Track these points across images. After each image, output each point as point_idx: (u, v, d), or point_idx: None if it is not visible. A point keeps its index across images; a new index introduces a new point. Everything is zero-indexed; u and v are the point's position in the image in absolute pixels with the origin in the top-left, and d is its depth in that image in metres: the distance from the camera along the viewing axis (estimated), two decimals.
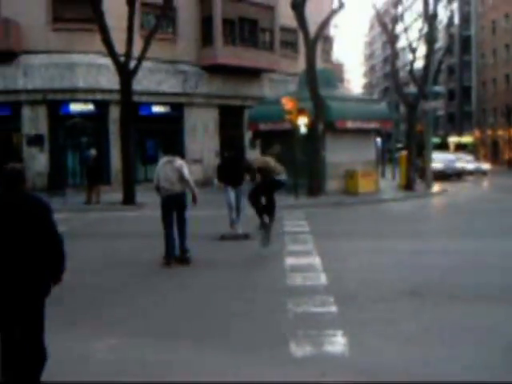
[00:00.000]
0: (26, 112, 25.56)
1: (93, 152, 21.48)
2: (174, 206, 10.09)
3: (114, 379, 4.98)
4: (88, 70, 25.27)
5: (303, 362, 5.31)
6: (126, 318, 6.91)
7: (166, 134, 28.34)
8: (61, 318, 6.90)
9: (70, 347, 5.81)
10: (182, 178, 9.94)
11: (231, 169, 12.82)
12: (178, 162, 10.13)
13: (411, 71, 28.31)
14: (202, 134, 29.19)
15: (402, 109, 53.01)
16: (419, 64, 31.68)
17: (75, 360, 5.48)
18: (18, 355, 4.36)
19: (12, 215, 4.35)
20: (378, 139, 31.28)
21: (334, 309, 6.98)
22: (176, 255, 10.04)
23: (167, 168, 10.04)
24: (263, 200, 11.37)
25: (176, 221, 10.13)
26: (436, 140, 54.73)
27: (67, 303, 7.56)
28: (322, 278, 8.56)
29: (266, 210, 11.31)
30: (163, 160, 10.31)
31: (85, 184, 21.61)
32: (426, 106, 26.50)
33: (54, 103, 25.45)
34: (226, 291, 8.12)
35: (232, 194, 12.78)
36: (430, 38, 26.92)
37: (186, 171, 10.00)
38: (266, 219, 11.20)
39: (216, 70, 29.05)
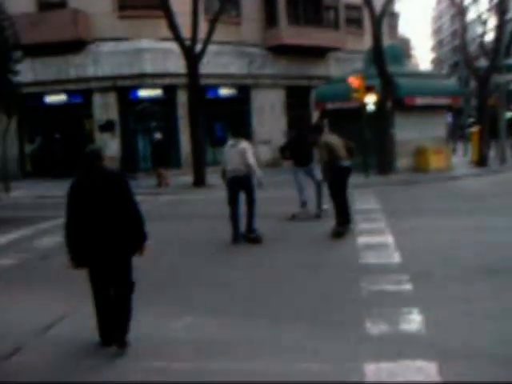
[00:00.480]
0: (97, 99, 26.19)
1: (157, 136, 21.83)
2: (239, 188, 10.27)
3: (191, 358, 5.09)
4: (155, 55, 25.61)
5: (379, 340, 5.28)
6: (202, 297, 7.04)
7: (234, 116, 28.52)
8: (138, 297, 7.10)
9: (147, 326, 5.97)
10: (245, 161, 10.03)
11: (298, 148, 12.66)
12: (242, 145, 10.18)
13: (482, 44, 27.43)
14: (269, 115, 29.18)
15: (473, 83, 51.50)
16: (490, 36, 30.63)
17: (152, 339, 5.62)
18: (115, 312, 5.47)
19: (96, 189, 5.37)
20: (449, 115, 30.49)
21: (409, 287, 6.90)
22: (244, 235, 10.26)
23: (232, 151, 10.20)
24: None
25: (245, 202, 10.31)
26: (510, 114, 52.86)
27: (144, 283, 7.75)
28: (396, 256, 8.47)
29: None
30: (228, 143, 10.44)
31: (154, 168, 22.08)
32: (499, 80, 25.63)
33: (123, 89, 25.96)
34: (299, 270, 8.15)
35: (301, 175, 12.74)
36: (501, 8, 25.95)
37: (249, 155, 10.05)
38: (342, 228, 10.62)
39: (281, 51, 28.92)
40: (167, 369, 4.89)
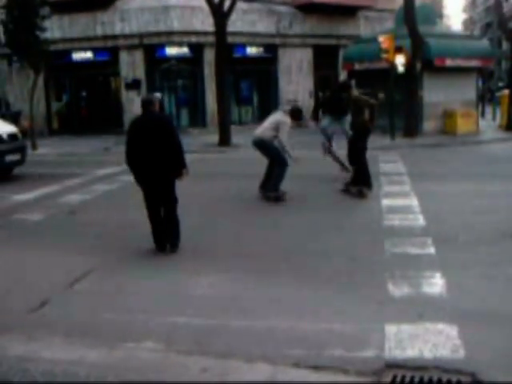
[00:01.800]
0: (124, 57, 26.17)
1: (157, 95, 21.83)
2: (261, 151, 10.53)
3: (215, 315, 5.17)
4: (182, 12, 25.42)
5: (401, 302, 5.31)
6: (225, 255, 7.11)
7: (261, 76, 28.36)
8: (163, 254, 7.21)
9: (171, 283, 6.08)
10: (274, 130, 10.10)
11: (334, 102, 12.90)
12: (282, 118, 10.27)
13: None
14: (296, 75, 28.93)
15: (505, 46, 50.35)
16: None
17: (176, 296, 5.72)
18: (166, 225, 7.31)
19: (148, 127, 7.15)
20: (479, 78, 29.93)
21: (432, 250, 6.90)
22: (265, 195, 10.43)
23: (269, 117, 10.48)
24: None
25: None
26: None
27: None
28: (420, 220, 8.45)
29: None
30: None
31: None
32: None
33: (149, 47, 25.87)
34: (323, 231, 8.18)
35: (329, 122, 13.12)
36: None
37: (283, 131, 10.08)
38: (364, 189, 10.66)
39: (310, 9, 28.48)
40: (192, 325, 4.98)
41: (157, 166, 7.04)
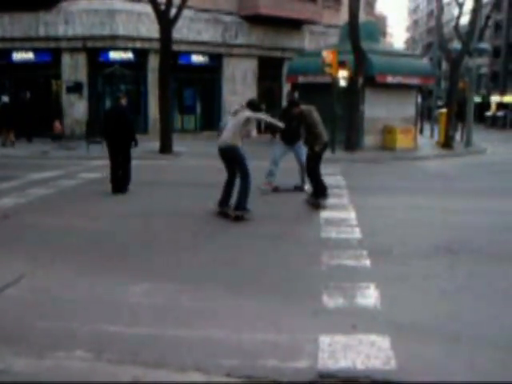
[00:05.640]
0: (66, 59, 25.72)
1: (4, 99, 23.73)
2: (225, 160, 9.77)
3: (150, 324, 5.10)
4: (128, 17, 25.19)
5: (335, 313, 5.35)
6: (163, 264, 7.02)
7: (204, 84, 28.34)
8: (100, 262, 7.08)
9: (106, 290, 5.97)
10: (242, 129, 9.49)
11: (287, 124, 11.59)
12: (244, 113, 9.60)
13: (456, 26, 27.49)
14: (241, 85, 29.02)
15: (444, 66, 51.77)
16: (465, 19, 30.74)
17: (110, 304, 5.61)
18: (122, 171, 12.01)
19: (114, 115, 12.16)
20: (419, 96, 30.68)
21: (367, 262, 6.99)
22: (222, 211, 9.85)
23: (231, 120, 9.69)
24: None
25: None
26: (477, 99, 53.45)
27: (106, 248, 7.74)
28: (357, 232, 8.57)
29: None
30: (232, 111, 10.03)
31: None
32: (470, 63, 25.81)
33: (93, 51, 25.52)
34: (261, 241, 8.18)
35: (280, 149, 12.62)
36: None
37: (255, 119, 9.72)
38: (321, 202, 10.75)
39: (256, 21, 28.66)
40: (125, 333, 4.89)
41: (119, 138, 11.87)
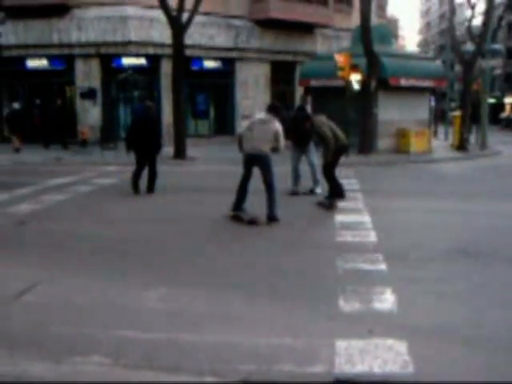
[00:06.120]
0: (80, 65, 25.86)
1: (15, 106, 24.63)
2: (254, 165, 9.80)
3: (165, 329, 5.10)
4: (140, 23, 25.29)
5: (351, 318, 5.32)
6: (178, 269, 7.03)
7: (217, 89, 28.40)
8: (115, 267, 7.10)
9: (121, 296, 5.98)
10: (274, 140, 9.50)
11: (297, 129, 12.13)
12: (275, 125, 9.59)
13: (469, 28, 27.41)
14: (253, 90, 29.05)
15: (458, 67, 51.51)
16: (478, 21, 30.63)
17: (125, 309, 5.62)
18: (150, 173, 12.86)
19: (144, 119, 13.01)
20: (432, 98, 30.57)
21: (383, 266, 6.96)
22: (244, 209, 9.89)
23: (261, 128, 9.58)
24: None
25: (263, 182, 9.83)
26: (491, 100, 53.19)
27: (120, 253, 7.76)
28: (372, 236, 8.53)
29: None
30: (257, 117, 9.94)
31: None
32: (484, 65, 25.71)
33: (106, 57, 25.65)
34: (276, 246, 8.17)
35: (294, 155, 12.71)
36: None
37: (281, 139, 9.57)
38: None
39: (268, 25, 28.70)
40: (140, 338, 4.89)
41: (148, 142, 12.71)
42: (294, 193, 12.45)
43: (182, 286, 6.32)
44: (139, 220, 10.11)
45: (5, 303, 5.80)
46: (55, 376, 4.24)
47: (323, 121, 11.06)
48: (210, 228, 9.48)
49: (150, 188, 12.75)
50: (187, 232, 9.17)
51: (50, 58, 26.01)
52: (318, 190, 12.33)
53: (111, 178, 15.57)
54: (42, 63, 26.20)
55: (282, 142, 9.61)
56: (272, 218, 9.60)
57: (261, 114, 10.05)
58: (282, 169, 12.62)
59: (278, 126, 9.61)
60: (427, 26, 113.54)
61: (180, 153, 20.48)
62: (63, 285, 6.40)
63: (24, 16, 24.71)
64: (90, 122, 25.60)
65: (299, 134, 12.04)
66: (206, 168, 18.35)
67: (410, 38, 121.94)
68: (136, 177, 12.69)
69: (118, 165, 18.45)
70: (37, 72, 26.27)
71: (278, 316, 5.38)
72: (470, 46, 32.06)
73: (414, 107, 23.61)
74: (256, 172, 9.89)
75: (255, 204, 9.99)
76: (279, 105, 10.34)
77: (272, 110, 9.93)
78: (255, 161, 9.71)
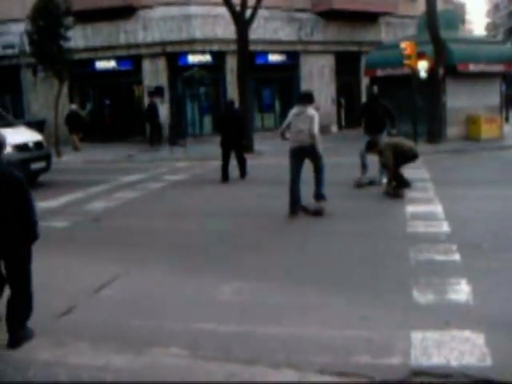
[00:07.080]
0: (147, 65, 26.34)
1: (73, 107, 24.83)
2: (304, 157, 9.88)
3: (240, 322, 5.19)
4: (204, 20, 25.54)
5: (426, 310, 5.28)
6: (252, 263, 7.12)
7: (282, 83, 28.40)
8: (189, 262, 7.25)
9: (196, 289, 6.11)
10: (311, 130, 9.56)
11: (371, 115, 12.69)
12: (311, 112, 9.69)
13: None
14: (318, 82, 28.89)
15: None
16: None
17: (201, 302, 5.74)
18: (239, 164, 14.58)
19: (230, 118, 14.58)
20: (503, 83, 29.70)
21: (457, 257, 6.85)
22: (301, 204, 9.86)
23: (299, 119, 9.67)
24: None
25: (313, 170, 10.05)
26: None
27: (194, 248, 7.91)
28: (444, 226, 8.40)
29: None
30: (293, 111, 9.93)
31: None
32: None
33: (172, 55, 26.02)
34: (348, 238, 8.16)
35: (365, 142, 12.52)
36: None
37: (315, 124, 9.56)
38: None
39: (331, 16, 28.45)
40: (217, 331, 4.99)
41: (234, 136, 14.01)
42: (359, 185, 12.37)
43: (254, 279, 6.40)
44: (212, 214, 10.25)
45: (85, 297, 6.02)
46: (135, 367, 4.39)
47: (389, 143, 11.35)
48: (280, 222, 9.53)
49: (242, 174, 14.23)
50: (256, 226, 9.24)
51: (117, 59, 26.62)
52: (384, 179, 12.16)
53: (181, 174, 15.84)
54: (111, 64, 26.84)
55: (316, 127, 9.63)
56: (319, 197, 9.96)
57: (295, 109, 10.02)
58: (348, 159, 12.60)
59: (312, 111, 9.75)
60: (495, 8, 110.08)
61: (248, 147, 20.51)
62: (140, 279, 6.59)
63: (92, 20, 25.35)
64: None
65: (372, 122, 12.54)
66: (273, 161, 18.38)
67: (476, 22, 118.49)
68: (224, 168, 13.99)
69: (187, 160, 18.76)
70: (106, 73, 26.94)
71: (352, 308, 5.39)
72: None
73: (484, 93, 22.97)
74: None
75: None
76: (311, 91, 10.58)
77: (304, 98, 10.13)
78: (306, 152, 9.80)
